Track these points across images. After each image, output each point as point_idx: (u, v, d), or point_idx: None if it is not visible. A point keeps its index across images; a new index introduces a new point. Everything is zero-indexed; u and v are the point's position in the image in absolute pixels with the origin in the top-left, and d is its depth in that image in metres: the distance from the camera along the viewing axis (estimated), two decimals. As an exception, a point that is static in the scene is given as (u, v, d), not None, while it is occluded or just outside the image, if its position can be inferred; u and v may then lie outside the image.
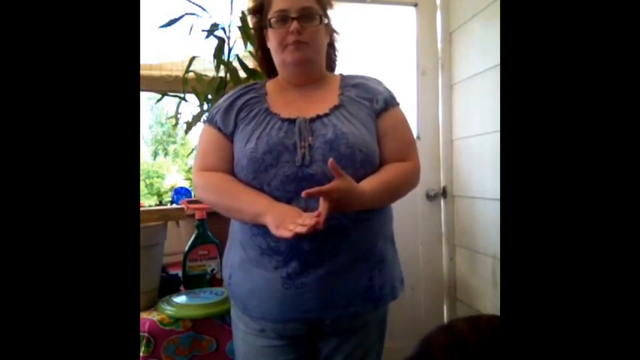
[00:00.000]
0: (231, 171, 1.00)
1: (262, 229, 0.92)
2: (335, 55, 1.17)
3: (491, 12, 1.97)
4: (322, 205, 0.83)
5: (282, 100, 1.04)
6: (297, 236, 0.81)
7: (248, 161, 0.95)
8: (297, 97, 1.05)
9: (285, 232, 0.82)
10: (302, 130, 0.96)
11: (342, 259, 0.92)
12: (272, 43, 1.04)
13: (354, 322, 0.98)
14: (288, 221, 0.84)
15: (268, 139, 0.95)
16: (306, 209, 0.90)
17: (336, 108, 1.00)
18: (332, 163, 0.83)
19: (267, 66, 1.14)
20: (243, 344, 1.03)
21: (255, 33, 1.12)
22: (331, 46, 1.14)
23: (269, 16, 1.02)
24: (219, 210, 1.04)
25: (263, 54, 1.13)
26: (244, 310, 0.99)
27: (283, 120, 0.98)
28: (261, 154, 0.94)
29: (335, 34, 1.14)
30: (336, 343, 1.00)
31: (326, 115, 0.98)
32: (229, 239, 1.07)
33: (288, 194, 0.92)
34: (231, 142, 1.02)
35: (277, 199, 0.93)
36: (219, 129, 1.03)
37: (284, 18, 0.99)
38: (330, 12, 1.09)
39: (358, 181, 0.91)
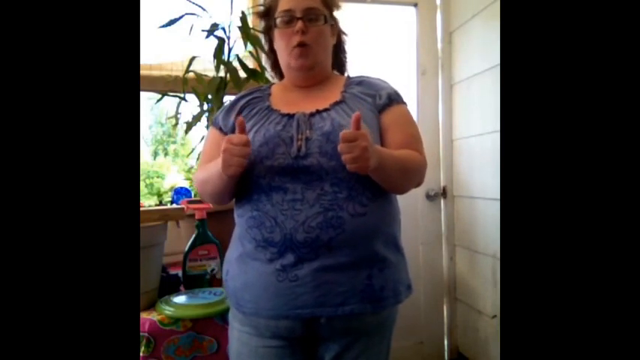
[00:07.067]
0: None
1: (257, 221, 0.93)
2: (345, 58, 1.18)
3: (491, 12, 1.97)
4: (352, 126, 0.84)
5: (285, 99, 1.05)
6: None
7: None
8: (300, 96, 1.06)
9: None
10: (300, 124, 0.96)
11: (338, 254, 0.90)
12: (278, 44, 1.06)
13: (352, 325, 0.94)
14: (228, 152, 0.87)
15: (265, 132, 0.97)
16: (302, 199, 0.90)
17: (336, 103, 1.01)
18: (357, 115, 0.84)
19: (279, 68, 1.15)
20: (237, 344, 1.00)
21: (265, 36, 1.15)
22: (340, 48, 1.15)
23: (275, 16, 1.04)
24: (207, 196, 1.06)
25: (274, 57, 1.15)
26: (238, 306, 0.98)
27: (283, 115, 1.00)
28: (257, 146, 0.95)
29: (344, 36, 1.15)
30: (338, 351, 0.96)
31: (326, 110, 1.00)
32: (232, 237, 1.07)
33: (283, 185, 0.92)
34: None
35: (273, 190, 0.93)
36: (220, 128, 1.07)
37: (289, 18, 1.02)
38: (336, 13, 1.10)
39: (356, 176, 0.90)
